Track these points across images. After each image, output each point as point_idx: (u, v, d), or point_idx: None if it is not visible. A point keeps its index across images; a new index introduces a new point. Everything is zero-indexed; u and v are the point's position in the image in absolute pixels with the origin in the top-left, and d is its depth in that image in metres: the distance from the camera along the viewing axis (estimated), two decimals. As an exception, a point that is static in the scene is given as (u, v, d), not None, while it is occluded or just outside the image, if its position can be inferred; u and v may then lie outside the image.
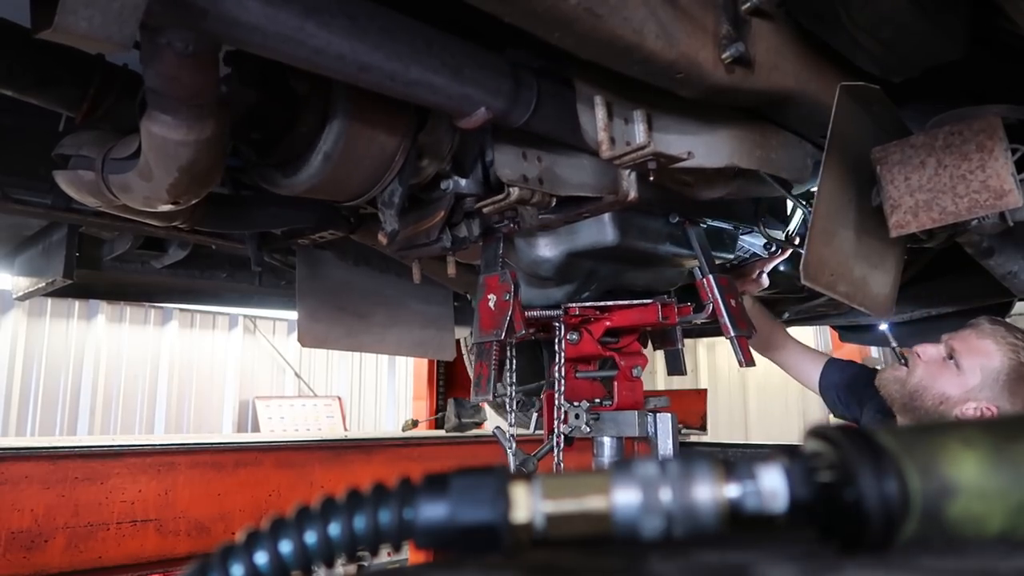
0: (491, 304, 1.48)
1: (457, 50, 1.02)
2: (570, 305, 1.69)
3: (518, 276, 1.52)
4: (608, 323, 1.69)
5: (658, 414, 1.68)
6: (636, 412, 1.67)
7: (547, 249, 1.61)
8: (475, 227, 1.44)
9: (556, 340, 1.66)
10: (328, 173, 1.17)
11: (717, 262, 1.76)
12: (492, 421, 4.16)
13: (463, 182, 1.36)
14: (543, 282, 1.71)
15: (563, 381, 1.62)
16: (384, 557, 0.39)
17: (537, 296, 1.75)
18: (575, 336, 1.68)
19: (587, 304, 1.70)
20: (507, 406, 1.66)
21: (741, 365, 1.59)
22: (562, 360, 1.64)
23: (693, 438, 4.21)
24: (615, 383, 1.72)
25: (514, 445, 1.64)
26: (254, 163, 1.29)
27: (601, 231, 1.56)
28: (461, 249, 1.47)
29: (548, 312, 1.67)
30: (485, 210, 1.35)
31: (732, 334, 1.59)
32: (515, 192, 1.27)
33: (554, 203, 1.38)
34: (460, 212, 1.40)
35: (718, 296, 1.61)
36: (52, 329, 6.67)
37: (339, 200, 1.30)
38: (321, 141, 1.14)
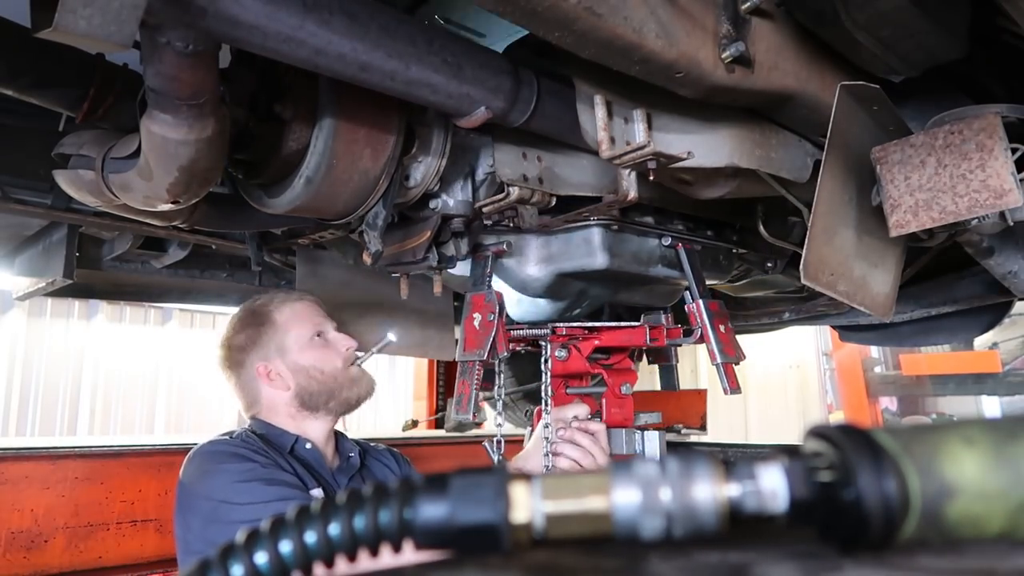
0: (476, 323, 1.47)
1: (457, 49, 1.02)
2: (557, 325, 1.66)
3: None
4: (597, 342, 1.67)
5: (646, 432, 1.67)
6: (624, 430, 1.66)
7: (536, 269, 1.58)
8: (463, 246, 1.44)
9: (543, 359, 1.64)
10: (310, 196, 1.18)
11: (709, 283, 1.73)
12: (493, 422, 4.15)
13: (451, 202, 1.36)
14: (534, 299, 1.68)
15: (550, 400, 1.61)
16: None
17: (528, 311, 1.71)
18: (563, 353, 1.66)
19: (574, 324, 1.68)
20: (495, 408, 1.65)
21: (726, 392, 1.58)
22: (548, 379, 1.61)
23: (693, 438, 4.21)
24: (603, 400, 1.70)
25: (496, 457, 1.64)
26: (241, 182, 1.30)
27: (591, 254, 1.51)
28: (447, 268, 1.47)
29: (535, 331, 1.64)
30: (485, 209, 1.35)
31: (718, 360, 1.58)
32: (515, 191, 1.27)
33: (554, 202, 1.38)
34: (447, 231, 1.40)
35: (707, 322, 1.60)
36: (52, 329, 6.66)
37: (324, 219, 1.32)
38: (303, 166, 1.15)
